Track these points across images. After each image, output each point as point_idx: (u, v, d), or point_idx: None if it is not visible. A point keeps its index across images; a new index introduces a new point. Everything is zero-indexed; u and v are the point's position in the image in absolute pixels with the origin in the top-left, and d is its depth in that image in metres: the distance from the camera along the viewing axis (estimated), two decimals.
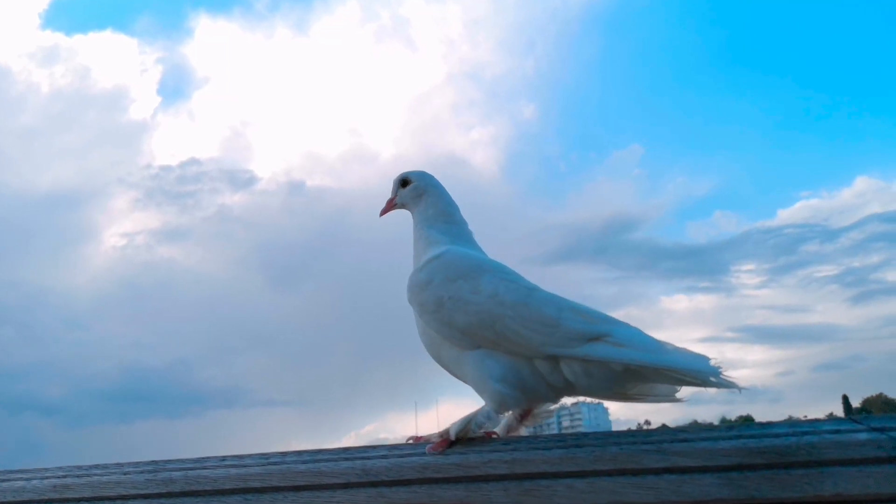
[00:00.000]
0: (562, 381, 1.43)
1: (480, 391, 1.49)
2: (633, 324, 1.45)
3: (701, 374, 1.33)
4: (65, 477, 1.61)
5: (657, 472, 1.22)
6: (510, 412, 1.50)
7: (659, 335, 1.44)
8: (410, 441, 1.49)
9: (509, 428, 1.50)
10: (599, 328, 1.41)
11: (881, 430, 1.17)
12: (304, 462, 1.44)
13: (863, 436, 1.17)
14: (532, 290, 1.50)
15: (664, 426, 1.39)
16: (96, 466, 1.64)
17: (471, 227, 1.81)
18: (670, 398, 1.50)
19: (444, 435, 1.39)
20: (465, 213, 1.83)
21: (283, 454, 1.50)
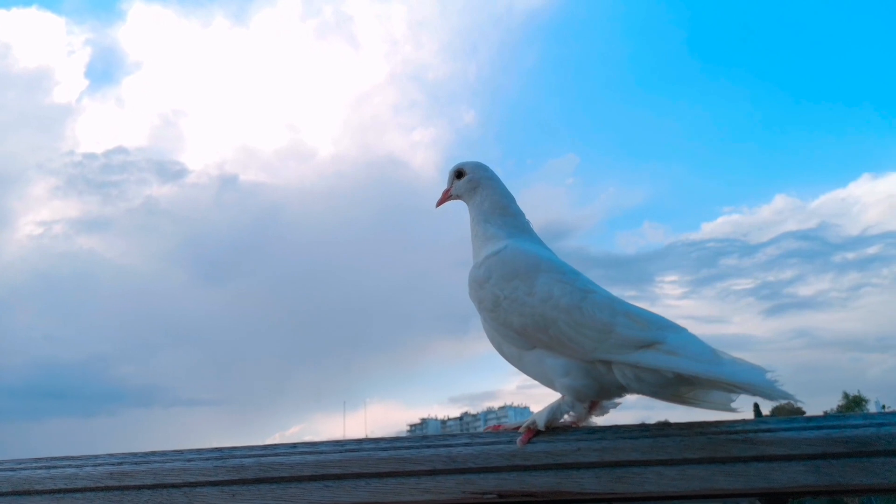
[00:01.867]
0: (616, 382, 1.45)
1: (550, 387, 1.52)
2: None
3: (756, 387, 1.33)
4: (120, 464, 1.56)
5: (745, 460, 1.29)
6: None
7: None
8: (488, 430, 1.51)
9: (578, 418, 1.53)
10: (652, 335, 1.41)
11: None
12: (384, 449, 1.45)
13: None
14: (587, 292, 1.50)
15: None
16: (153, 453, 1.59)
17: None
18: (726, 406, 1.47)
19: (531, 426, 1.42)
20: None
21: (359, 441, 1.50)
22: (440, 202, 1.90)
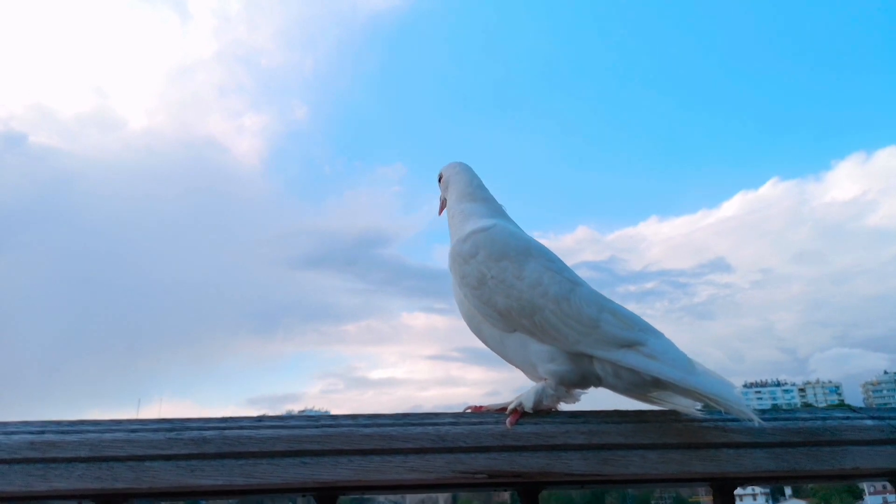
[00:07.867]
0: (595, 374, 1.50)
1: (530, 371, 1.53)
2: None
3: (726, 401, 1.38)
4: (42, 433, 1.33)
5: (717, 446, 1.39)
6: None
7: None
8: (469, 410, 1.49)
9: (554, 402, 1.55)
10: (635, 336, 1.46)
11: (879, 418, 1.46)
12: (366, 426, 1.37)
13: (868, 422, 1.45)
14: (575, 284, 1.53)
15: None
16: (83, 422, 1.38)
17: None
18: (688, 411, 1.51)
19: (518, 407, 1.42)
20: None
21: (335, 417, 1.41)
22: (441, 210, 1.93)
